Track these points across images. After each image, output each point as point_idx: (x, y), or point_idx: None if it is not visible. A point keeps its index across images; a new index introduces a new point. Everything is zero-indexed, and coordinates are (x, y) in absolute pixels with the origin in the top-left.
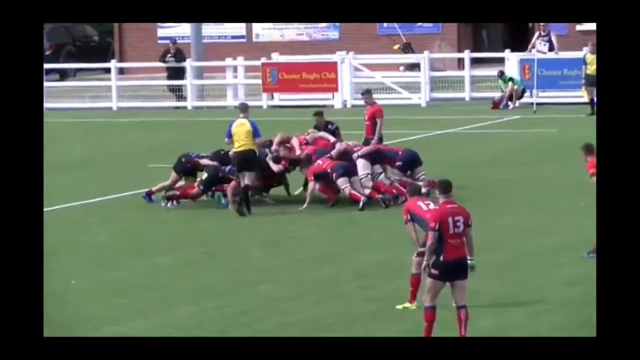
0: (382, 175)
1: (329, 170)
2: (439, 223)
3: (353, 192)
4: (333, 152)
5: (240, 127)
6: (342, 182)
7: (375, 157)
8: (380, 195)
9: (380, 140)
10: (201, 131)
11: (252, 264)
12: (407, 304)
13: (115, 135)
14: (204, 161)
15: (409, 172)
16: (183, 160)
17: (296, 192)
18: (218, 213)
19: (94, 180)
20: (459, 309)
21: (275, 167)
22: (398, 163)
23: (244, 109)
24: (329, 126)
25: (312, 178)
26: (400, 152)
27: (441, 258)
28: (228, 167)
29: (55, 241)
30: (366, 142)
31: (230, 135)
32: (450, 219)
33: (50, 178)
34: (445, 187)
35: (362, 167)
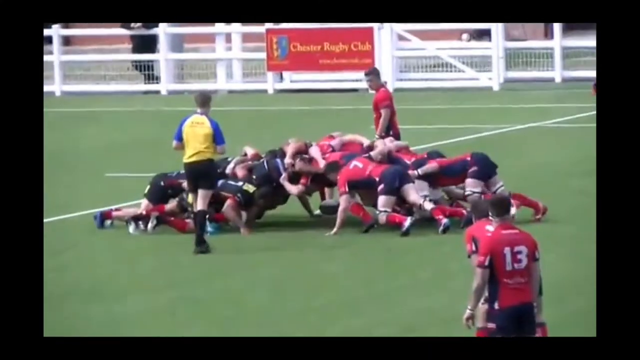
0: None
1: (375, 178)
2: (490, 256)
3: (393, 214)
4: (373, 153)
5: (196, 128)
6: (383, 202)
7: (436, 178)
8: (445, 220)
9: (397, 138)
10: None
11: (251, 313)
12: None
13: (59, 132)
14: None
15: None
16: (162, 184)
17: (317, 212)
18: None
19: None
20: None
21: (294, 190)
22: (473, 169)
23: (203, 101)
24: None
25: (346, 189)
26: (468, 158)
27: (496, 306)
28: (220, 182)
29: None
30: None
31: (180, 138)
32: (507, 250)
33: None
34: (501, 206)
35: (418, 187)
